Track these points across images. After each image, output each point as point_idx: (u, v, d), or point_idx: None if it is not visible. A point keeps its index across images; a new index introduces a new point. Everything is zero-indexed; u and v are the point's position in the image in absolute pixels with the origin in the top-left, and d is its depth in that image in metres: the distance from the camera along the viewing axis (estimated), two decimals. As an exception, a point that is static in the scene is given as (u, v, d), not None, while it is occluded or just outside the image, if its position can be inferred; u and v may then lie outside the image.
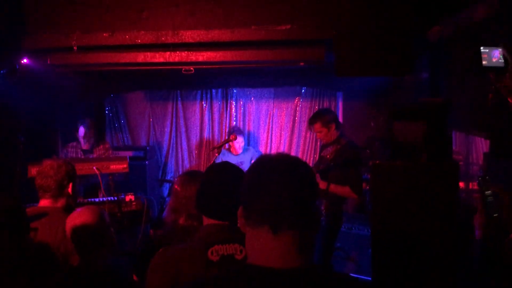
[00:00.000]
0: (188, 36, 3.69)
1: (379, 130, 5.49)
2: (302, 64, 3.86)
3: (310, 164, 5.95)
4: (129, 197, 4.04)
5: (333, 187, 3.64)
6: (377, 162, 3.02)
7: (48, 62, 3.95)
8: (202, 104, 6.18)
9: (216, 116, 6.16)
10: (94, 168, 3.80)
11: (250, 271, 1.10)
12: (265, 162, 1.18)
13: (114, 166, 3.89)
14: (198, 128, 6.18)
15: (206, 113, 6.16)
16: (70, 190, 2.52)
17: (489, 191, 2.60)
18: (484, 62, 2.74)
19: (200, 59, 3.84)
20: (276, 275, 1.06)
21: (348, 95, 5.96)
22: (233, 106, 6.14)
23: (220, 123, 6.17)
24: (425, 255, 2.82)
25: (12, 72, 3.94)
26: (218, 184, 1.79)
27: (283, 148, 6.07)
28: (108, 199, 3.91)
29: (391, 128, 3.08)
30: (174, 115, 6.20)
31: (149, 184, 5.75)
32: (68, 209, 2.42)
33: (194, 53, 3.84)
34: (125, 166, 3.92)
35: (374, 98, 5.70)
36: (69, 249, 2.20)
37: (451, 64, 3.30)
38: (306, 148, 6.04)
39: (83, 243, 2.09)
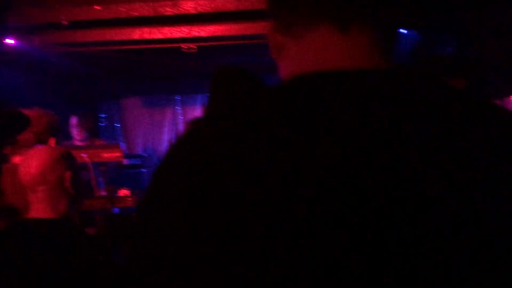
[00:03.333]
0: (189, 6, 3.34)
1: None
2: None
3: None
4: (124, 191, 3.59)
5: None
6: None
7: (36, 42, 3.58)
8: (203, 108, 5.79)
9: (218, 120, 5.75)
10: (83, 155, 3.35)
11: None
12: None
13: (107, 154, 3.44)
14: (200, 134, 5.76)
15: (207, 118, 5.77)
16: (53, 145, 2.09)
17: None
18: None
19: (203, 34, 3.48)
20: (354, 77, 0.61)
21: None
22: (236, 109, 5.75)
23: (223, 128, 5.75)
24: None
25: (-4, 54, 3.58)
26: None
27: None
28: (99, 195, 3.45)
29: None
30: (173, 122, 5.81)
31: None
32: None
33: (196, 27, 3.48)
34: (119, 154, 3.47)
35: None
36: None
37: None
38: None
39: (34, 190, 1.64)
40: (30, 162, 1.63)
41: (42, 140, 2.06)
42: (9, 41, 3.54)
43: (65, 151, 1.71)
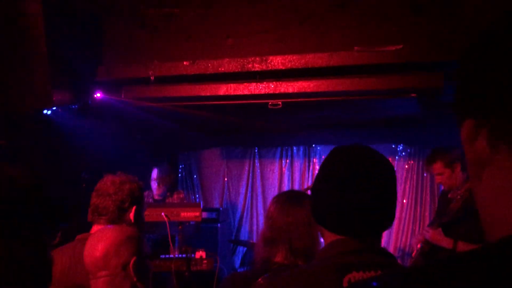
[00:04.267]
0: (278, 62, 3.20)
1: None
2: (414, 95, 3.21)
3: (411, 238, 5.07)
4: (200, 253, 3.40)
5: (463, 246, 2.78)
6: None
7: (122, 96, 3.59)
8: (282, 162, 5.60)
9: (296, 175, 5.52)
10: (162, 214, 3.23)
11: None
12: None
13: (185, 213, 3.30)
14: (276, 189, 5.55)
15: (286, 172, 5.55)
16: (132, 216, 1.94)
17: None
18: None
19: (290, 90, 3.31)
20: None
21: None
22: (316, 165, 5.50)
23: (301, 184, 5.51)
24: None
25: (85, 107, 3.63)
26: (355, 181, 1.12)
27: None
28: (175, 256, 3.28)
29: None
30: (250, 175, 5.65)
31: (220, 251, 5.07)
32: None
33: (283, 83, 3.32)
34: (197, 214, 3.32)
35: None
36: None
37: None
38: (404, 215, 5.16)
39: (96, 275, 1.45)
40: (95, 244, 1.48)
41: (122, 209, 1.92)
42: (97, 95, 3.58)
43: (133, 232, 1.55)
